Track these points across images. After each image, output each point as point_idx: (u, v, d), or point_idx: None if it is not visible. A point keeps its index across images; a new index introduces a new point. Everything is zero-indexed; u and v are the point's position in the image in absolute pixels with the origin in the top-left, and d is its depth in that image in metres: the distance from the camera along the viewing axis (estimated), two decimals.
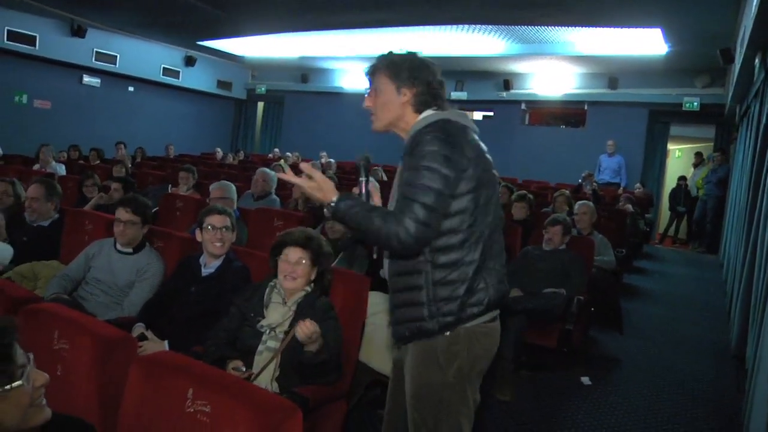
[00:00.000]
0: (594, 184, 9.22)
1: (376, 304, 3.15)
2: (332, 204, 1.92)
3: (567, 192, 6.96)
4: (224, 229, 3.17)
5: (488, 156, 2.00)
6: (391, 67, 2.02)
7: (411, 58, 2.03)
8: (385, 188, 6.70)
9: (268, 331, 2.55)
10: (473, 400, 2.00)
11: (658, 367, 4.78)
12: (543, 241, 4.69)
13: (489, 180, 1.95)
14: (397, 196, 1.92)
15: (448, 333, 1.93)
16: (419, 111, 2.00)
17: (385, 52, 2.08)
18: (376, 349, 3.10)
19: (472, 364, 1.96)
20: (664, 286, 7.91)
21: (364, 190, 2.04)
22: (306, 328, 2.34)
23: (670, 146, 12.96)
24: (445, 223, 1.88)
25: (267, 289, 2.69)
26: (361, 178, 2.05)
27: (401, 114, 2.01)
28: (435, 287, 1.91)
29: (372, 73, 2.07)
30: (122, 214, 3.44)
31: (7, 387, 1.31)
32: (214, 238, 3.15)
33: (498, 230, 2.02)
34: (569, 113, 13.29)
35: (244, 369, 2.43)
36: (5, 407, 1.32)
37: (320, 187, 1.96)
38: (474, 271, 1.91)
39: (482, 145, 1.99)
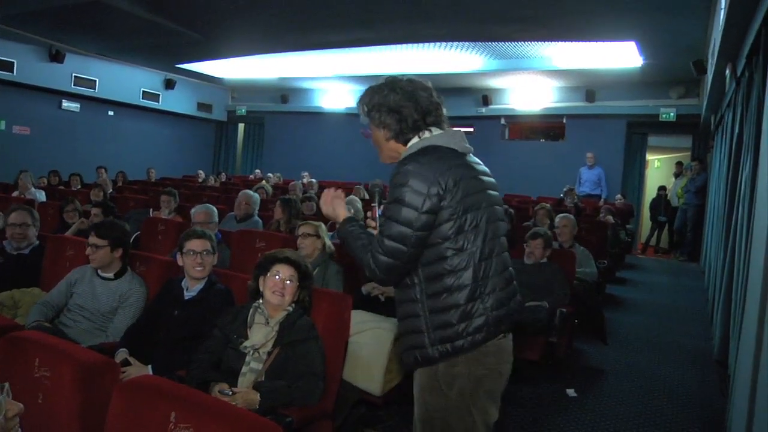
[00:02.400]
0: (575, 198, 9.33)
1: (359, 322, 3.17)
2: (338, 224, 2.08)
3: (548, 205, 7.02)
4: (205, 253, 3.19)
5: (480, 178, 2.01)
6: (367, 105, 2.05)
7: (385, 95, 2.01)
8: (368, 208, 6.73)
9: (251, 352, 2.57)
10: (482, 421, 1.98)
11: (643, 375, 4.82)
12: (524, 254, 4.74)
13: (474, 204, 1.93)
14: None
15: (448, 360, 1.92)
16: (406, 141, 2.02)
17: (367, 87, 2.09)
18: (361, 367, 3.12)
19: (476, 385, 1.95)
20: (646, 295, 7.98)
21: (377, 215, 2.09)
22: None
23: (649, 156, 13.14)
24: (429, 252, 1.91)
25: (251, 310, 2.71)
26: (373, 204, 2.13)
27: (392, 147, 2.05)
28: (431, 315, 1.91)
29: (362, 110, 2.10)
30: (90, 238, 3.45)
31: None
32: (195, 263, 3.16)
33: (497, 251, 1.99)
34: (548, 127, 13.45)
35: (229, 392, 2.43)
36: None
37: (335, 209, 2.13)
38: (467, 296, 1.90)
39: (472, 166, 2.01)
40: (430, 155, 1.92)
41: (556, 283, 4.51)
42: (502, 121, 13.12)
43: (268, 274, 2.71)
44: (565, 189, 9.69)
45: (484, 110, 12.90)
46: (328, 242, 4.15)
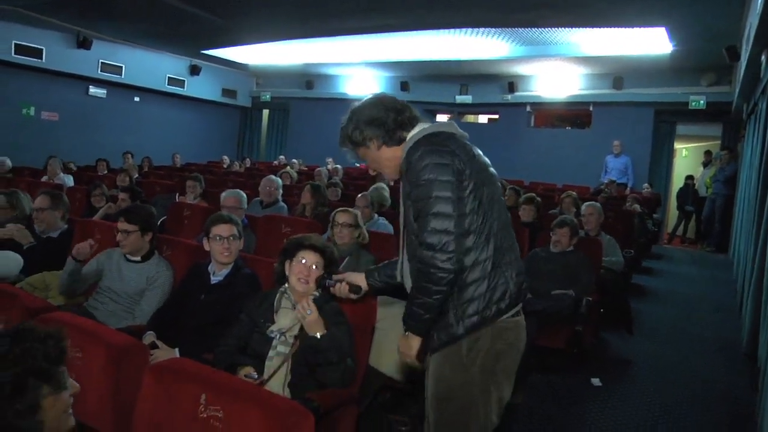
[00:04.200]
0: (614, 189, 9.31)
1: (384, 308, 3.16)
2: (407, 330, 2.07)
3: (574, 193, 6.96)
4: (231, 238, 3.20)
5: (483, 157, 2.09)
6: (347, 139, 2.16)
7: (354, 120, 2.13)
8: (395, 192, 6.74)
9: (278, 336, 2.59)
10: (498, 398, 2.06)
11: (669, 367, 4.77)
12: (550, 243, 4.71)
13: (487, 178, 2.03)
14: (408, 225, 2.06)
15: (473, 333, 1.99)
16: (399, 141, 2.10)
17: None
18: (386, 353, 3.12)
19: (495, 360, 2.02)
20: (673, 285, 7.89)
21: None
22: (303, 308, 2.46)
23: (677, 145, 12.92)
24: None
25: (277, 295, 2.73)
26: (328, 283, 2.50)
27: (389, 154, 2.13)
28: (458, 291, 1.98)
29: (347, 148, 2.21)
30: (119, 224, 3.48)
31: (60, 391, 1.41)
32: (222, 248, 3.18)
33: (507, 226, 2.09)
34: (575, 114, 13.29)
35: (255, 375, 2.46)
36: (52, 413, 1.40)
37: (409, 346, 2.08)
38: (491, 266, 1.98)
39: (474, 147, 2.08)
40: (438, 137, 2.01)
41: (582, 272, 4.48)
42: (528, 108, 12.99)
43: (294, 260, 2.72)
44: (606, 181, 9.60)
45: (509, 97, 12.78)
46: (365, 231, 4.16)
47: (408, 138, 2.07)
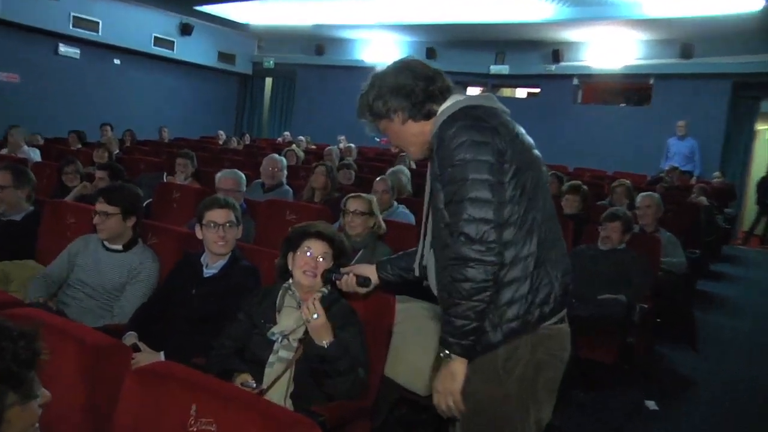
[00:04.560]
0: (676, 178, 9.23)
1: (403, 309, 3.18)
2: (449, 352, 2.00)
3: (627, 182, 6.93)
4: (228, 225, 3.21)
5: (527, 137, 2.08)
6: (367, 109, 2.17)
7: (377, 86, 2.13)
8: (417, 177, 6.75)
9: (280, 340, 2.61)
10: (537, 419, 2.05)
11: (739, 390, 4.74)
12: (598, 239, 4.70)
13: (532, 161, 2.03)
14: (436, 213, 2.05)
15: (512, 341, 1.98)
16: (428, 114, 2.11)
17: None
18: (404, 362, 3.14)
19: (536, 372, 2.02)
20: (748, 294, 7.81)
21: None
22: (307, 310, 2.50)
23: (760, 126, 12.65)
24: None
25: (280, 292, 2.75)
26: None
27: (415, 130, 2.15)
28: (495, 292, 1.96)
29: (366, 120, 2.22)
30: (98, 205, 3.49)
31: (29, 401, 1.39)
32: (216, 237, 3.19)
33: (552, 217, 2.09)
34: (631, 89, 13.19)
35: (253, 384, 2.49)
36: (17, 427, 1.38)
37: (454, 379, 2.01)
38: (534, 264, 1.98)
39: (517, 125, 2.07)
40: (477, 111, 2.01)
41: (636, 274, 4.47)
42: (575, 81, 12.92)
43: (298, 251, 2.75)
44: (666, 168, 9.52)
45: (553, 68, 12.71)
46: (381, 221, 4.19)
47: (440, 111, 2.07)
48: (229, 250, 3.25)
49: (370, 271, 2.50)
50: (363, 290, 2.51)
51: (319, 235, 2.76)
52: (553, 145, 11.57)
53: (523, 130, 2.08)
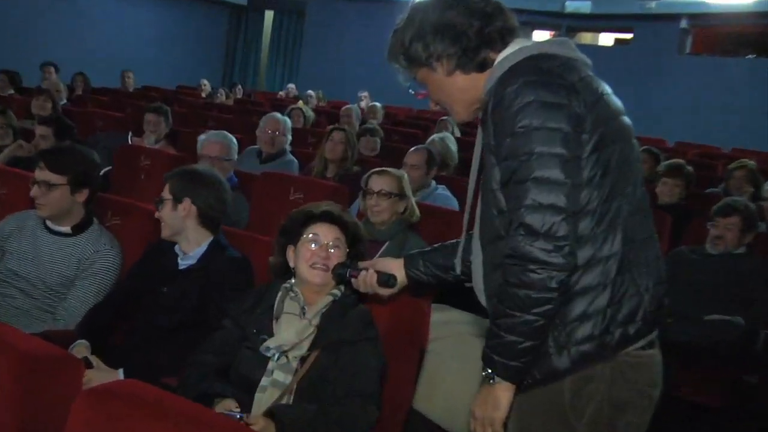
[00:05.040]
0: None
1: (440, 322, 3.17)
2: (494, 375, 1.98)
3: (751, 163, 6.73)
4: (158, 203, 3.29)
5: (615, 99, 2.04)
6: (401, 52, 2.13)
7: (417, 21, 2.09)
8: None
9: (276, 357, 2.61)
10: None
11: None
12: (707, 239, 4.61)
13: (619, 131, 1.99)
14: (487, 195, 2.02)
15: (583, 369, 1.95)
16: (481, 65, 2.07)
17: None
18: (440, 393, 3.13)
19: (614, 415, 1.97)
20: None
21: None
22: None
23: None
24: None
25: (278, 294, 2.76)
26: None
27: (464, 84, 2.11)
28: (564, 302, 1.91)
29: (399, 66, 2.19)
30: (38, 172, 3.44)
31: None
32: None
33: (643, 208, 2.05)
34: (762, 35, 12.97)
35: (239, 415, 2.46)
36: None
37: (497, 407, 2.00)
38: (617, 269, 1.93)
39: (602, 83, 2.03)
40: (549, 63, 1.96)
41: (760, 288, 4.37)
42: (683, 23, 12.78)
43: (301, 240, 2.75)
44: None
45: (653, 5, 12.57)
46: (415, 205, 4.17)
47: (498, 61, 2.03)
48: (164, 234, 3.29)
49: (395, 267, 2.48)
50: (386, 292, 2.50)
51: (328, 217, 2.77)
52: (645, 111, 11.47)
53: (609, 90, 2.03)
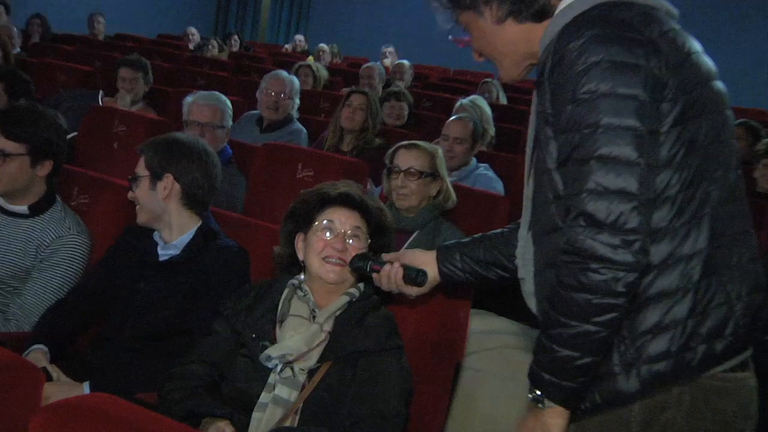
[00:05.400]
0: None
1: (480, 332, 3.17)
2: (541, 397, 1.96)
3: None
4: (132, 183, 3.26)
5: (706, 59, 2.00)
6: None
7: None
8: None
9: (279, 368, 2.59)
10: None
11: None
12: None
13: (710, 98, 1.95)
14: (543, 175, 1.99)
15: (656, 393, 1.91)
16: (539, 13, 2.04)
17: None
18: (478, 417, 3.13)
19: None
20: None
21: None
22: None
23: None
24: None
25: (284, 293, 2.75)
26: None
27: (514, 38, 2.09)
28: (634, 310, 1.89)
29: (439, 5, 2.17)
30: None
31: None
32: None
33: (737, 197, 2.00)
34: None
35: None
36: None
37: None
38: (702, 271, 1.89)
39: (690, 38, 1.99)
40: (621, 12, 1.91)
41: None
42: None
43: (313, 228, 2.75)
44: None
45: None
46: (450, 187, 4.14)
47: (561, 9, 2.00)
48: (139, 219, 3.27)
49: (426, 261, 2.48)
50: (414, 291, 2.50)
51: (347, 201, 2.75)
52: (743, 76, 11.29)
53: (699, 47, 1.98)
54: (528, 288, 2.13)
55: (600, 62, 1.81)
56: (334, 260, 2.67)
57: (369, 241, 2.74)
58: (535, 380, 1.93)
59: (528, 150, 2.10)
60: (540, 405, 1.92)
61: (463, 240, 2.54)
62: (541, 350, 1.91)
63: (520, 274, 2.21)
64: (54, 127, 3.58)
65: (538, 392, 1.92)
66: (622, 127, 1.79)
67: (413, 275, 2.44)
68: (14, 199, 3.49)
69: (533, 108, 2.06)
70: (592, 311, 1.80)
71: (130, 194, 3.26)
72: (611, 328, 1.82)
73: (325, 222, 2.72)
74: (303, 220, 2.78)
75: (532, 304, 2.12)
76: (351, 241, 2.70)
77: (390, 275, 2.49)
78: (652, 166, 1.81)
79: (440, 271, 2.45)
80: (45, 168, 3.50)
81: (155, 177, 3.18)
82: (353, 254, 2.65)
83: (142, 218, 3.23)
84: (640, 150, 1.79)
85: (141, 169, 3.22)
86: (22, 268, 3.43)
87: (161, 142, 3.29)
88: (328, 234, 2.71)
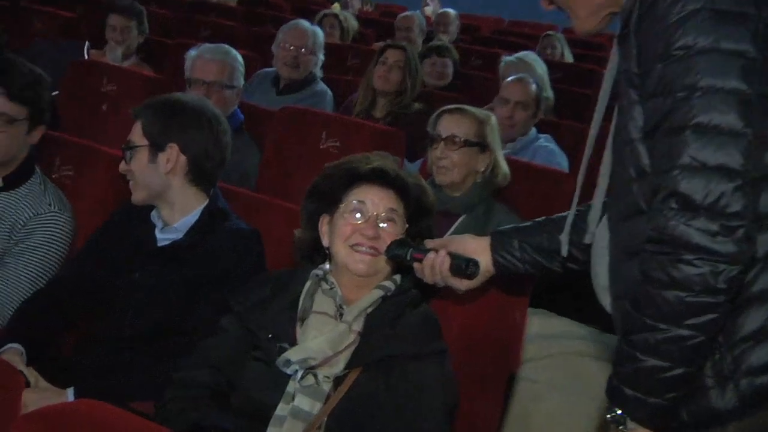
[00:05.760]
0: None
1: (539, 336, 3.19)
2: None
3: None
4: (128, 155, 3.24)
5: None
6: None
7: None
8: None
9: (300, 375, 2.59)
10: None
11: None
12: None
13: None
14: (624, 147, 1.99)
15: (757, 412, 1.91)
16: None
17: None
18: None
19: None
20: None
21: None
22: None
23: None
24: None
25: (306, 285, 2.75)
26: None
27: None
28: (733, 312, 1.87)
29: None
30: None
31: None
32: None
33: None
34: None
35: None
36: None
37: None
38: None
39: None
40: None
41: None
42: None
43: (340, 210, 2.74)
44: None
45: None
46: (503, 163, 4.15)
47: None
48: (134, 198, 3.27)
49: (478, 249, 2.50)
50: (463, 284, 2.52)
51: (380, 177, 2.74)
52: None
53: None
54: (601, 281, 2.13)
55: (699, 11, 1.79)
56: (364, 249, 2.66)
57: (407, 225, 2.73)
58: (614, 396, 1.93)
59: (597, 117, 2.12)
60: (621, 428, 1.92)
61: (521, 225, 2.55)
62: (622, 359, 1.90)
63: (592, 265, 2.21)
64: (45, 87, 3.60)
65: (619, 411, 1.91)
66: (725, 89, 1.77)
67: (462, 265, 2.44)
68: None
69: (611, 66, 2.06)
70: (686, 312, 1.77)
71: (122, 166, 3.24)
72: (709, 333, 1.79)
73: (354, 203, 2.71)
74: (328, 199, 2.79)
75: (605, 301, 2.12)
76: (384, 225, 2.69)
77: (435, 265, 2.49)
78: (761, 139, 1.79)
79: (495, 261, 2.46)
80: (37, 135, 3.56)
81: (156, 147, 3.17)
82: (388, 241, 2.65)
83: (138, 196, 3.23)
84: (747, 118, 1.76)
85: (137, 137, 3.20)
86: None
87: (163, 104, 3.28)
88: (357, 216, 2.70)
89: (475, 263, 2.45)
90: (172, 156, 3.16)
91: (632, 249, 1.93)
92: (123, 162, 3.22)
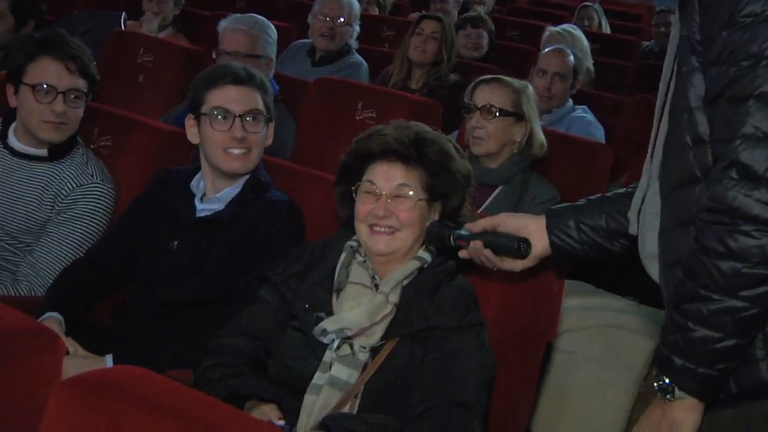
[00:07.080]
0: None
1: (577, 307, 3.18)
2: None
3: None
4: (250, 120, 3.22)
5: None
6: None
7: None
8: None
9: (336, 344, 2.61)
10: None
11: None
12: None
13: None
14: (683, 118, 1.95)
15: None
16: None
17: None
18: (570, 409, 3.15)
19: None
20: None
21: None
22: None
23: None
24: None
25: (342, 256, 2.76)
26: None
27: None
28: None
29: None
30: (65, 76, 3.42)
31: None
32: (229, 140, 3.19)
33: None
34: None
35: (282, 424, 2.50)
36: None
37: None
38: None
39: None
40: None
41: None
42: None
43: (359, 189, 2.75)
44: None
45: None
46: (539, 132, 4.13)
47: None
48: (250, 167, 3.25)
49: (531, 229, 2.48)
50: (517, 266, 2.51)
51: (389, 153, 2.71)
52: None
53: None
54: (648, 249, 2.11)
55: None
56: (380, 228, 2.67)
57: (427, 195, 2.70)
58: (663, 365, 1.91)
59: (663, 86, 2.07)
60: (669, 397, 1.90)
61: (575, 204, 2.50)
62: (673, 328, 1.88)
63: (638, 230, 2.19)
64: (90, 57, 3.61)
65: (667, 380, 1.90)
66: None
67: (515, 246, 2.42)
68: (33, 139, 3.50)
69: (674, 34, 2.02)
70: (741, 282, 1.75)
71: (254, 137, 3.23)
72: (763, 305, 1.77)
73: (366, 183, 2.72)
74: (353, 176, 2.79)
75: (652, 269, 2.10)
76: (405, 207, 2.67)
77: (479, 254, 2.50)
78: None
79: (551, 243, 2.44)
80: (84, 107, 3.54)
81: (268, 120, 3.26)
82: (401, 218, 2.65)
83: (252, 164, 3.24)
84: None
85: (262, 106, 3.26)
86: (36, 221, 3.46)
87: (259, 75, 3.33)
88: (369, 197, 2.70)
89: (528, 244, 2.43)
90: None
91: (685, 217, 1.91)
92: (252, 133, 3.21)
